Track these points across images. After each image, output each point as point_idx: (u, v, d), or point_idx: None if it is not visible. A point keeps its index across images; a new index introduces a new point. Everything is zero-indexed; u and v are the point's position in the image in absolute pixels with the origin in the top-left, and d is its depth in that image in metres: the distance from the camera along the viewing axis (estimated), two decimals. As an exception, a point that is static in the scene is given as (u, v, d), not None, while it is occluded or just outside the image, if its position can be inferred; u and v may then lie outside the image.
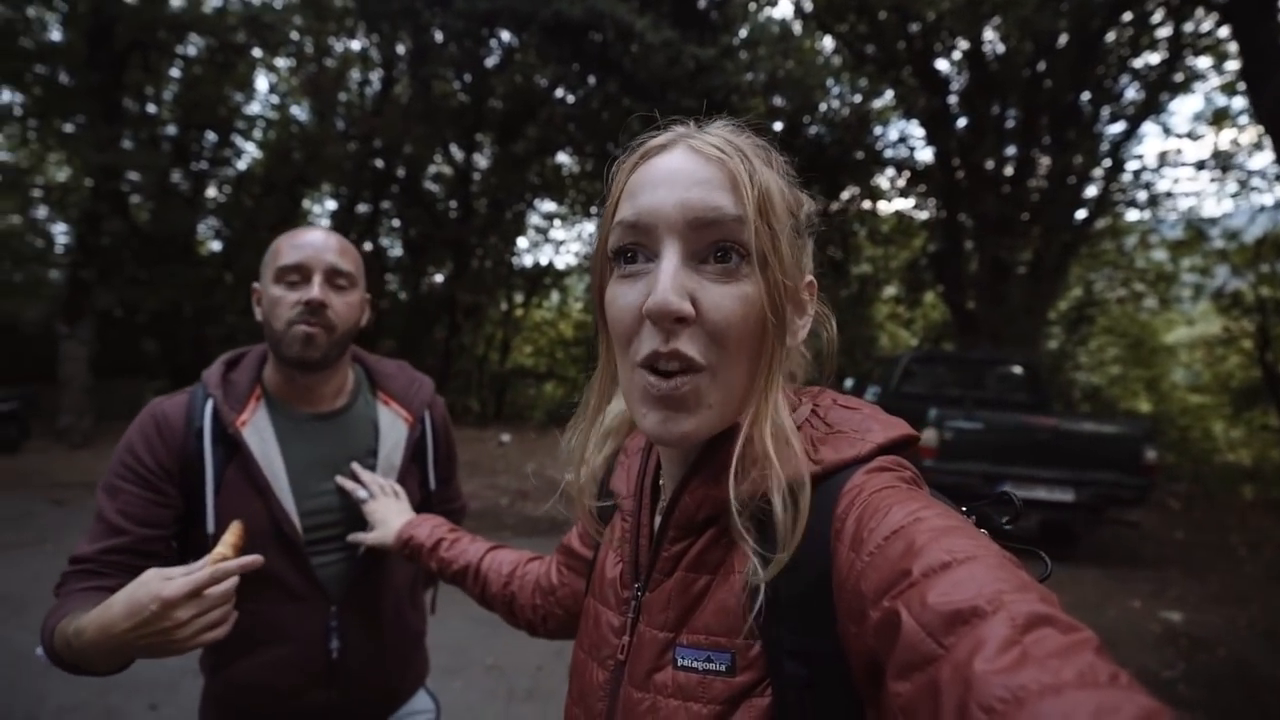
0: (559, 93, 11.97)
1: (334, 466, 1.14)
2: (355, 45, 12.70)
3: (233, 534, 0.92)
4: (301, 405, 1.15)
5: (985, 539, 0.42)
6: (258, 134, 12.68)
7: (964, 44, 10.45)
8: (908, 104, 10.60)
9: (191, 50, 10.93)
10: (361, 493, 1.12)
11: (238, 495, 1.05)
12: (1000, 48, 10.32)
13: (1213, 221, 11.90)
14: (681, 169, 0.51)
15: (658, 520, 0.61)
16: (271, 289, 1.09)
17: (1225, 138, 11.72)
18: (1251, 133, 10.75)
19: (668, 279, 0.48)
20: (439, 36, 10.86)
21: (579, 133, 11.77)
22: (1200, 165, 11.38)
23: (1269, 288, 11.14)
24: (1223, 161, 11.14)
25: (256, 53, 11.22)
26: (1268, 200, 10.85)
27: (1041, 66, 10.11)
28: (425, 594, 1.35)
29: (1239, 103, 10.55)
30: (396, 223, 14.51)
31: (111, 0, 8.48)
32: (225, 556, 0.87)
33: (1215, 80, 10.63)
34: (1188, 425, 13.02)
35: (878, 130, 11.69)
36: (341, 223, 13.10)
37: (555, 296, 17.30)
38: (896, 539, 0.42)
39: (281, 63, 12.39)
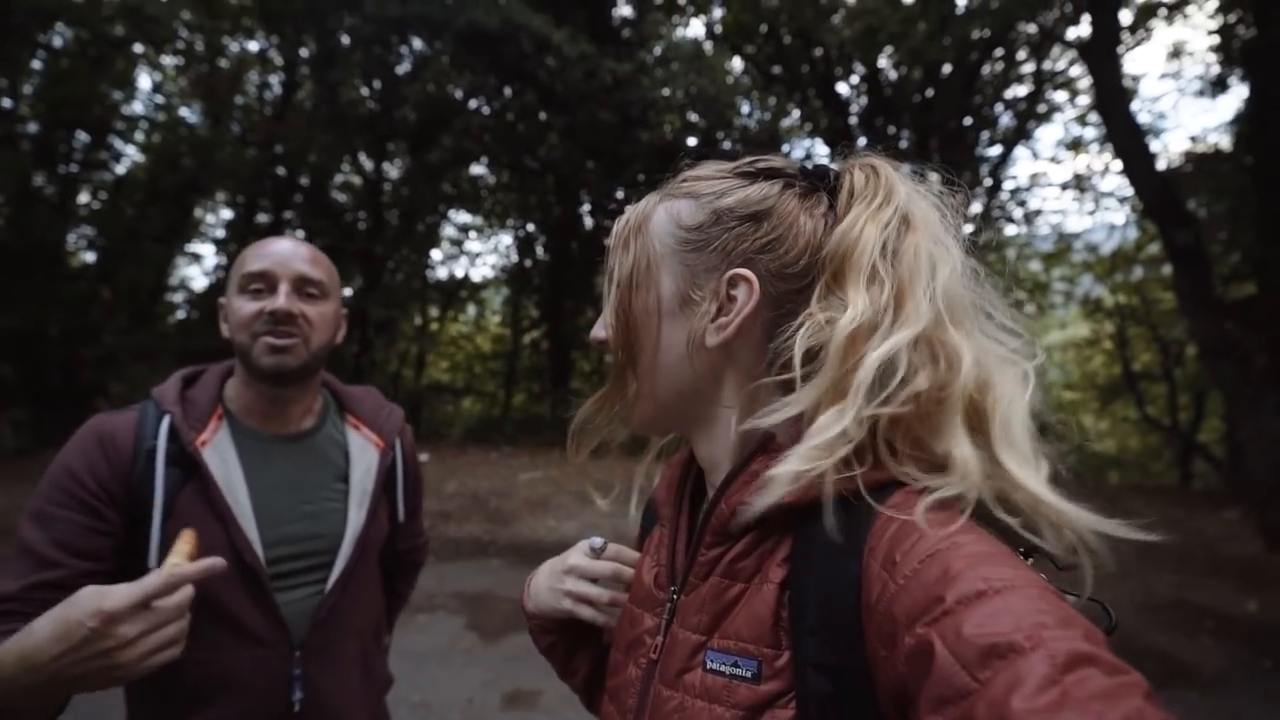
0: (474, 103, 11.79)
1: (302, 491, 1.06)
2: (253, 46, 11.97)
3: (185, 542, 0.82)
4: (267, 425, 1.07)
5: (1025, 567, 0.41)
6: (140, 136, 11.63)
7: (862, 69, 11.22)
8: (813, 123, 11.24)
9: (58, 41, 9.92)
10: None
11: (192, 523, 0.92)
12: (894, 74, 11.17)
13: (1076, 236, 13.34)
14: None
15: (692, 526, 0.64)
16: (235, 300, 1.02)
17: (1081, 162, 13.25)
18: (1101, 159, 12.22)
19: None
20: (346, 40, 10.45)
21: (495, 143, 11.62)
22: (1064, 186, 12.77)
23: (1124, 295, 12.57)
24: (1080, 183, 12.55)
25: (138, 48, 10.33)
26: (1118, 219, 12.30)
27: (930, 93, 11.03)
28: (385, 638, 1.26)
29: (1090, 132, 12.01)
30: (301, 234, 13.69)
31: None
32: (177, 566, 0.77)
33: (1071, 112, 12.04)
34: (1064, 420, 14.39)
35: (785, 148, 12.32)
36: (239, 233, 12.23)
37: (472, 310, 16.90)
38: (932, 563, 0.42)
39: (168, 60, 11.46)
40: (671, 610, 0.60)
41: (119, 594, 0.69)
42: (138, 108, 11.68)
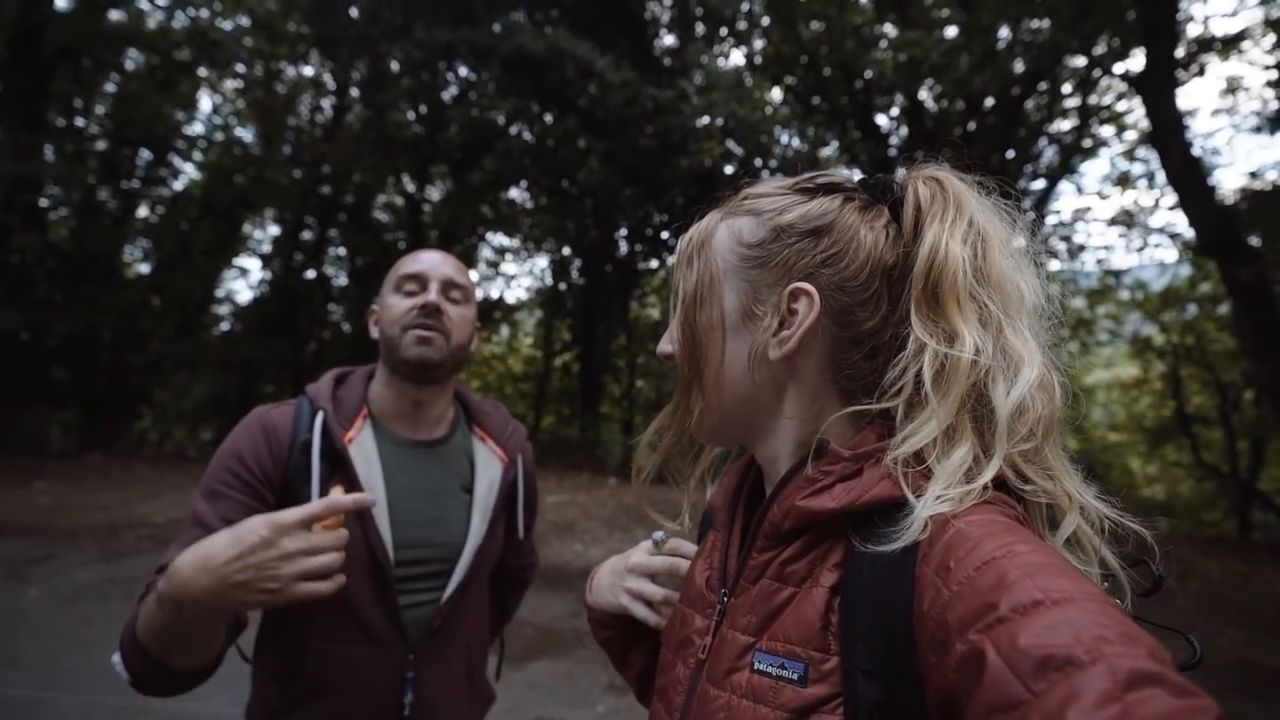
0: (515, 128, 12.06)
1: (432, 497, 1.09)
2: (308, 71, 12.49)
3: (338, 492, 0.88)
4: (405, 430, 1.12)
5: (1086, 579, 0.40)
6: (198, 155, 12.17)
7: (902, 101, 11.19)
8: (851, 154, 11.20)
9: (129, 64, 10.48)
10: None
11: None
12: (935, 106, 11.11)
13: (1122, 273, 12.96)
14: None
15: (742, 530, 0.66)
16: (389, 298, 1.11)
17: (1129, 198, 12.92)
18: (1150, 195, 11.90)
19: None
20: (395, 66, 10.83)
21: (534, 167, 11.85)
22: (1111, 222, 12.46)
23: (1177, 335, 12.12)
24: (1128, 219, 12.23)
25: (202, 72, 10.86)
26: (1168, 256, 11.92)
27: (972, 126, 10.93)
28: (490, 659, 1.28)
29: (1138, 168, 11.74)
30: (343, 251, 14.08)
31: (39, 5, 8.08)
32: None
33: (1118, 146, 11.79)
34: (1108, 462, 13.84)
35: (823, 178, 12.27)
36: (284, 248, 12.62)
37: (505, 331, 17.09)
38: (987, 570, 0.41)
39: (229, 84, 12.02)
40: (721, 612, 0.61)
41: (288, 512, 0.78)
42: (198, 128, 12.26)
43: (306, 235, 13.22)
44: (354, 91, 12.16)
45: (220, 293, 13.85)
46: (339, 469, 1.01)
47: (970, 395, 0.51)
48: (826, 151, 11.16)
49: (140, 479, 8.36)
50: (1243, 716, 3.76)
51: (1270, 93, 9.16)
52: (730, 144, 10.31)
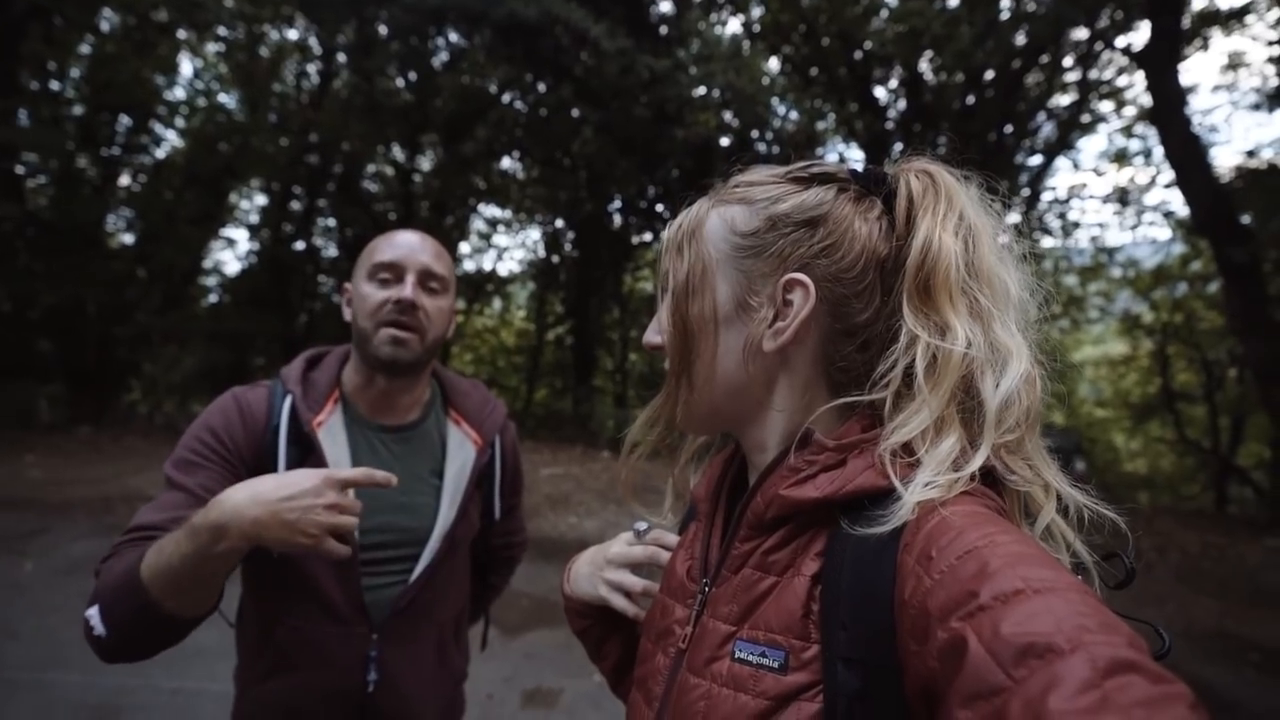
0: (508, 96, 11.79)
1: (400, 483, 1.06)
2: (292, 34, 12.10)
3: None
4: (375, 415, 1.11)
5: (1065, 570, 0.40)
6: (180, 121, 11.83)
7: (901, 73, 11.02)
8: (849, 127, 11.06)
9: (105, 25, 10.10)
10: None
11: None
12: (934, 79, 10.95)
13: (1115, 250, 12.98)
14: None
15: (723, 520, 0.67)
16: (363, 286, 1.07)
17: (1124, 175, 12.89)
18: (1146, 173, 11.87)
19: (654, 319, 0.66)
20: (384, 31, 10.50)
21: (527, 138, 11.62)
22: (1105, 199, 12.44)
23: (1166, 312, 12.22)
24: (1123, 197, 12.21)
25: (181, 34, 10.49)
26: (1162, 234, 11.94)
27: (971, 100, 10.79)
28: (472, 628, 1.30)
29: (1135, 145, 11.67)
30: (332, 222, 13.84)
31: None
32: None
33: (1117, 123, 11.70)
34: (1093, 438, 14.08)
35: (821, 150, 12.15)
36: (272, 219, 12.39)
37: (498, 304, 16.96)
38: (969, 559, 0.42)
39: (211, 47, 11.63)
40: (703, 601, 0.61)
41: (339, 470, 0.86)
42: (179, 93, 11.89)
43: (295, 205, 12.97)
44: (341, 57, 11.83)
45: (208, 264, 13.63)
46: (309, 453, 1.00)
47: (959, 387, 0.52)
48: (823, 125, 11.01)
49: (133, 452, 8.31)
50: (1217, 683, 3.89)
51: (1271, 69, 9.09)
52: (727, 116, 10.16)
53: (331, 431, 1.03)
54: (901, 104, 11.42)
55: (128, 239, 12.36)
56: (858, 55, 10.79)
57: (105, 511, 5.84)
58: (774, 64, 11.66)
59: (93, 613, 0.82)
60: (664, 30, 10.45)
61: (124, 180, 12.03)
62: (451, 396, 1.20)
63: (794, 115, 10.52)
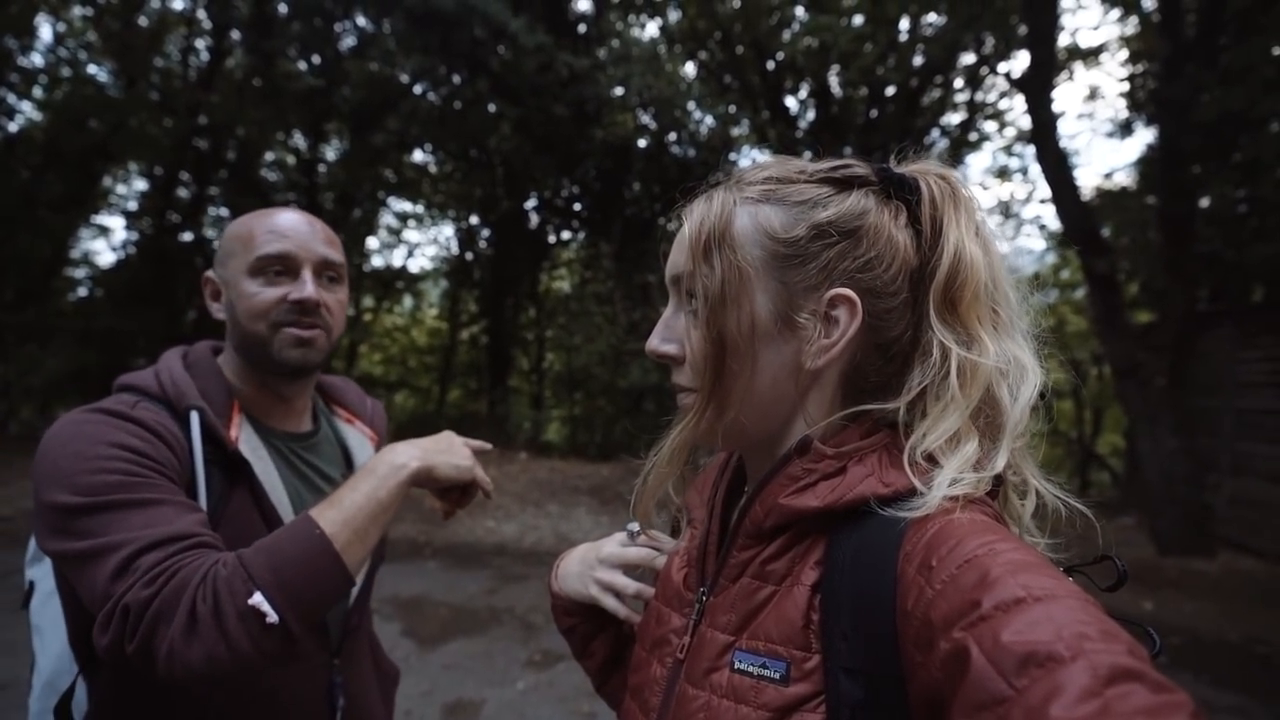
0: (420, 87, 11.33)
1: (322, 493, 0.97)
2: (176, 3, 11.10)
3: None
4: (276, 423, 0.98)
5: (1065, 578, 0.41)
6: (38, 91, 10.55)
7: (810, 84, 11.55)
8: (761, 134, 11.45)
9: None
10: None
11: (242, 533, 0.80)
12: (841, 92, 11.56)
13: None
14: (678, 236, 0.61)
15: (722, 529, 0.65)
16: (245, 283, 0.90)
17: (1006, 190, 14.14)
18: (1024, 188, 13.10)
19: (656, 327, 0.62)
20: (283, 9, 9.83)
21: (441, 131, 11.23)
22: (989, 212, 13.56)
23: (1040, 317, 13.46)
24: (1004, 210, 13.38)
25: (39, -6, 9.37)
26: (1038, 245, 13.21)
27: (874, 114, 11.47)
28: None
29: (1015, 163, 12.86)
30: (224, 211, 12.80)
31: None
32: None
33: (999, 142, 12.85)
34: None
35: (734, 155, 12.52)
36: (155, 206, 11.31)
37: (408, 301, 16.29)
38: (970, 568, 0.42)
39: (77, 10, 10.45)
40: (700, 611, 0.60)
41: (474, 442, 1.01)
42: (37, 59, 10.59)
43: (182, 193, 11.89)
44: (235, 34, 10.96)
45: (75, 254, 12.26)
46: (238, 479, 0.86)
47: (982, 397, 0.53)
48: (738, 130, 11.34)
49: (-19, 465, 7.33)
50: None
51: (1122, 102, 10.26)
52: (645, 118, 10.24)
53: (250, 447, 0.90)
54: (811, 114, 11.97)
55: (-25, 224, 10.89)
56: (770, 65, 11.21)
57: (-53, 533, 5.12)
58: (690, 69, 11.90)
59: (258, 599, 0.68)
60: (583, 29, 10.40)
61: (-31, 157, 10.59)
62: (331, 395, 1.13)
63: (709, 120, 10.76)
